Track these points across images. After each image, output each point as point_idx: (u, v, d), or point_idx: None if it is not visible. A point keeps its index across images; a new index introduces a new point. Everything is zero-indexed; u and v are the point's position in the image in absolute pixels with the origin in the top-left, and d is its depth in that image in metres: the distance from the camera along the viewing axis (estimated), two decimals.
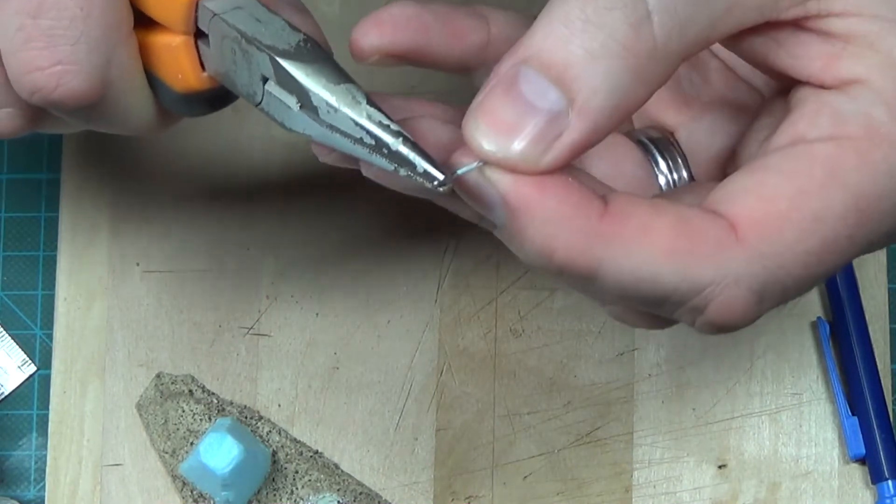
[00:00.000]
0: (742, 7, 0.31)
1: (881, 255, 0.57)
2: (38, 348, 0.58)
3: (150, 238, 0.57)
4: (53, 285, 0.57)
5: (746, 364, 0.56)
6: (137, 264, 0.57)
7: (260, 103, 0.34)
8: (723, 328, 0.32)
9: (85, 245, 0.57)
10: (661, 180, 0.38)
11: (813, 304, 0.57)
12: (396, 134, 0.31)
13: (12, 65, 0.34)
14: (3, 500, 0.56)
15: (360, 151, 0.31)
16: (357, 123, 0.31)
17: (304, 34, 0.33)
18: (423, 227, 0.57)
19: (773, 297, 0.32)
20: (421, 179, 0.30)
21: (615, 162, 0.37)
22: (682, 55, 0.31)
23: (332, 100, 0.32)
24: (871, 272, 0.57)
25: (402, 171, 0.31)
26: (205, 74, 0.36)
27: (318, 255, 0.57)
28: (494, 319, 0.57)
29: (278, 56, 0.33)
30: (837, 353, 0.56)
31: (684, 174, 0.38)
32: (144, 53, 0.36)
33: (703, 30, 0.31)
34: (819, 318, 0.57)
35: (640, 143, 0.38)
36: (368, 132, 0.31)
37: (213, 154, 0.58)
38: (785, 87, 0.34)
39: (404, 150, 0.31)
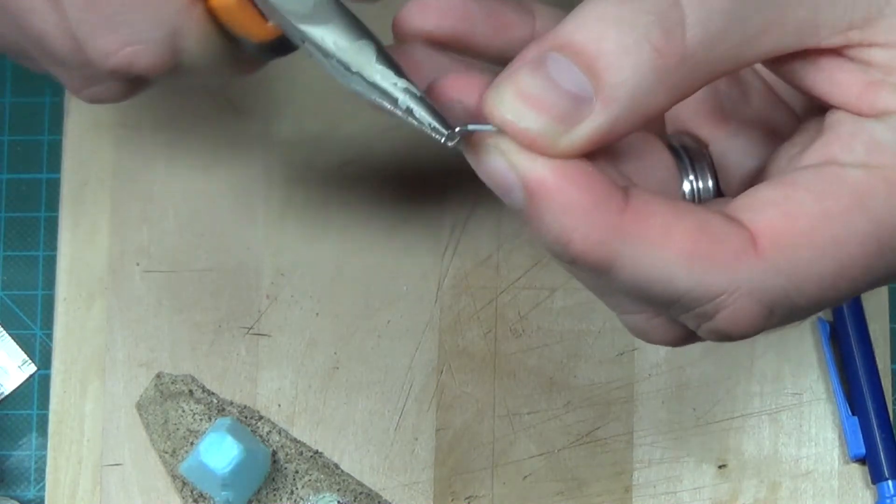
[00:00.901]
0: (780, 31, 0.31)
1: None
2: (38, 348, 0.58)
3: (150, 238, 0.57)
4: (53, 285, 0.57)
5: (746, 364, 0.56)
6: (137, 264, 0.57)
7: (311, 57, 0.35)
8: (728, 337, 0.33)
9: (85, 245, 0.57)
10: (686, 186, 0.38)
11: None
12: (404, 90, 0.31)
13: (89, 54, 0.37)
14: (3, 500, 0.56)
15: (382, 106, 0.32)
16: (368, 82, 0.32)
17: None
18: (423, 228, 0.57)
19: (782, 314, 0.32)
20: (432, 134, 0.30)
21: (641, 157, 0.37)
22: (712, 70, 0.31)
23: (346, 59, 0.32)
24: None
25: (416, 125, 0.31)
26: (270, 24, 0.37)
27: (318, 255, 0.57)
28: (494, 319, 0.57)
29: (296, 21, 0.33)
30: (837, 353, 0.56)
31: (710, 185, 0.38)
32: (214, 14, 0.37)
33: (736, 47, 0.31)
34: (819, 318, 0.56)
35: (671, 148, 0.38)
36: (380, 89, 0.31)
37: (213, 154, 0.58)
38: (821, 107, 0.34)
39: (412, 104, 0.31)
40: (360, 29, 0.33)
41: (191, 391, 0.56)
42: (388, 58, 0.32)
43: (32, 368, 0.58)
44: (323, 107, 0.58)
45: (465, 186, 0.58)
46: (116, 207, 0.57)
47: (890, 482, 0.54)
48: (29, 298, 0.59)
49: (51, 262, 0.58)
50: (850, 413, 0.55)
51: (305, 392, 0.56)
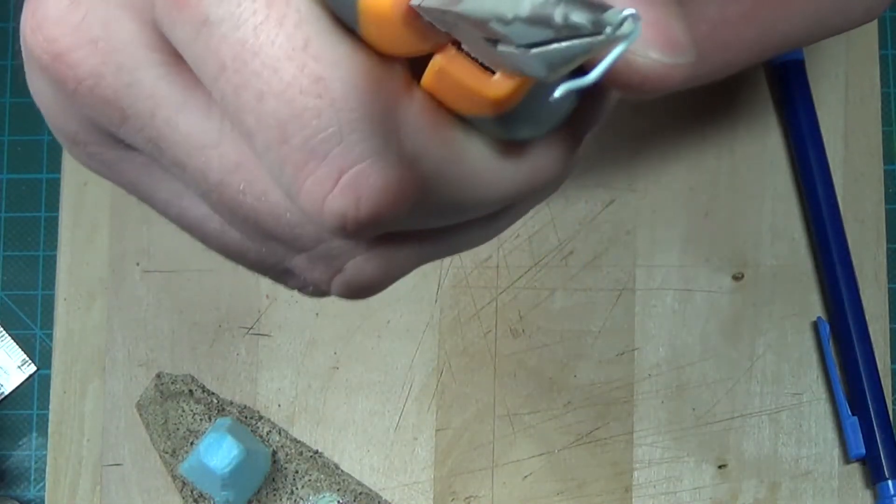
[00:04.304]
0: None
1: (881, 255, 0.57)
2: (38, 348, 0.58)
3: (150, 238, 0.57)
4: (53, 285, 0.57)
5: (746, 364, 0.56)
6: (137, 264, 0.57)
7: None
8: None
9: (85, 245, 0.57)
10: None
11: (813, 304, 0.57)
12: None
13: (304, 208, 0.26)
14: (3, 500, 0.56)
15: (541, 57, 0.22)
16: (524, 18, 0.22)
17: None
18: None
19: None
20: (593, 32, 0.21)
21: None
22: None
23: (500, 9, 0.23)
24: (871, 272, 0.57)
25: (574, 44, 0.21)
26: (497, 77, 0.26)
27: None
28: (494, 319, 0.57)
29: (451, 5, 0.24)
30: (837, 353, 0.56)
31: None
32: (434, 96, 0.27)
33: None
34: (819, 318, 0.56)
35: None
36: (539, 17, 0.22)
37: None
38: None
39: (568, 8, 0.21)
40: None
41: (191, 391, 0.56)
42: None
43: (32, 368, 0.58)
44: None
45: None
46: (116, 207, 0.57)
47: (890, 482, 0.54)
48: (29, 298, 0.59)
49: (51, 262, 0.58)
50: (850, 413, 0.55)
51: (305, 392, 0.56)
